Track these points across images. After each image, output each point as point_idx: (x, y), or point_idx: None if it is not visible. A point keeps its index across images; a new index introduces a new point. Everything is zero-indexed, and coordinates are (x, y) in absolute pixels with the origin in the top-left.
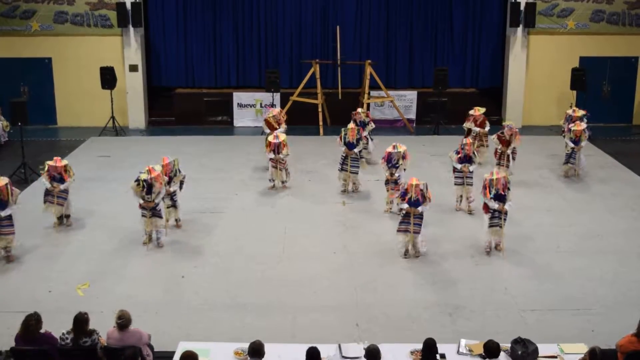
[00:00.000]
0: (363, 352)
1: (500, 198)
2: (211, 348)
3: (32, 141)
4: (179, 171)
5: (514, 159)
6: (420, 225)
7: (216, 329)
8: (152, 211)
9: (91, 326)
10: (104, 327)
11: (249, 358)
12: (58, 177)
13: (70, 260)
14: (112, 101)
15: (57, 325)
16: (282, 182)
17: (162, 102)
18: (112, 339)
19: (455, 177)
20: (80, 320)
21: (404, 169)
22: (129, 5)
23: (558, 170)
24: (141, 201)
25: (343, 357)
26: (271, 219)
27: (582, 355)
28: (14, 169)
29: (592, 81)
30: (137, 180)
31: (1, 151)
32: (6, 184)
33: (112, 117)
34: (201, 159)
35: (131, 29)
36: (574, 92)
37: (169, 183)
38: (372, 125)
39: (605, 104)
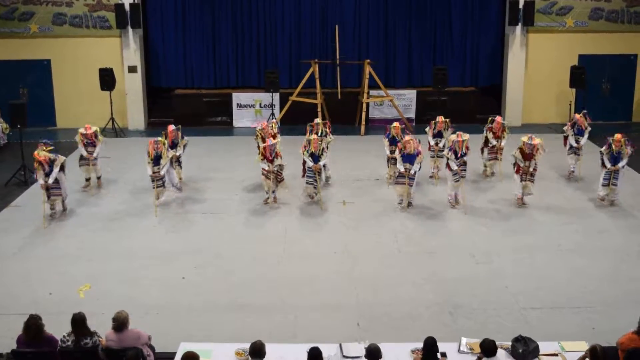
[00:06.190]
0: (364, 352)
1: (456, 153)
2: (212, 349)
3: (31, 143)
4: (182, 137)
5: (534, 175)
6: (413, 179)
7: (217, 329)
8: (158, 182)
9: (92, 328)
10: (105, 329)
11: (250, 358)
12: (90, 142)
13: (71, 262)
14: (111, 102)
15: (58, 328)
16: (272, 192)
17: (162, 103)
18: (110, 341)
19: (431, 151)
20: (79, 320)
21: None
22: (127, 7)
23: (558, 169)
24: (150, 172)
25: (344, 356)
26: (271, 220)
27: (583, 353)
28: (13, 171)
29: (591, 79)
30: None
31: (1, 153)
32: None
33: (112, 119)
34: (201, 160)
35: (130, 30)
36: (574, 90)
37: (174, 148)
38: (330, 138)
39: (605, 101)
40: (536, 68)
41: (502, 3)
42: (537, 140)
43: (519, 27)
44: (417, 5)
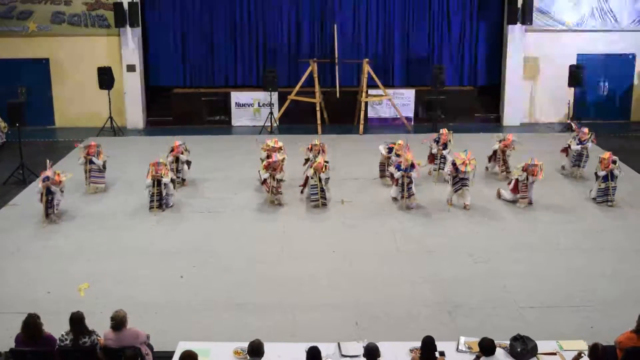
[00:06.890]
0: (362, 351)
1: (457, 170)
2: (211, 348)
3: (30, 142)
4: (187, 150)
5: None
6: (411, 187)
7: (215, 328)
8: (159, 202)
9: (91, 327)
10: (103, 328)
11: (248, 357)
12: (94, 157)
13: (69, 261)
14: (109, 101)
15: (57, 327)
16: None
17: (160, 102)
18: (109, 340)
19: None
20: (78, 319)
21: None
22: (126, 5)
23: (556, 166)
24: (150, 187)
25: (342, 355)
26: (270, 219)
27: (576, 353)
28: (12, 171)
29: (590, 78)
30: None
31: None
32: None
33: (110, 118)
34: (199, 159)
35: (128, 29)
36: (572, 89)
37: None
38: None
39: (603, 100)
40: (535, 67)
41: (501, 2)
42: (539, 163)
43: (517, 26)
44: (416, 4)
